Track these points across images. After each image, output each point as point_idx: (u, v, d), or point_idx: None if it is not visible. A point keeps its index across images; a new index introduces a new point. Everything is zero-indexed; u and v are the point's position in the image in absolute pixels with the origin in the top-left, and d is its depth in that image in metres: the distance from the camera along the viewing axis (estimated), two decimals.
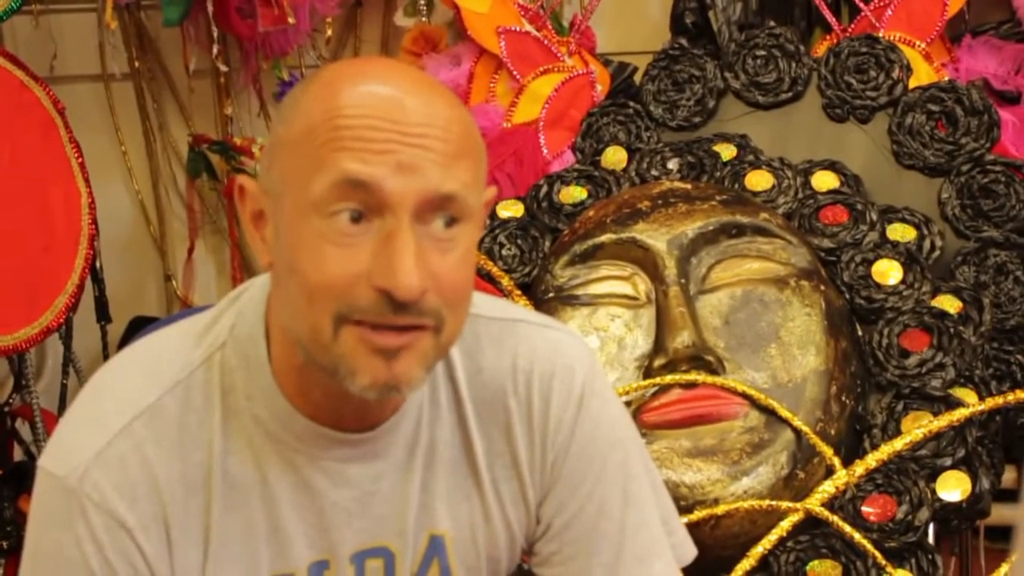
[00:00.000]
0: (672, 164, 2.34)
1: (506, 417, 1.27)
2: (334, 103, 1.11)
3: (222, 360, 1.21)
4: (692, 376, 2.00)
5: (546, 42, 2.53)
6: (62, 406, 2.56)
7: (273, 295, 1.19)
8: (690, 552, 1.37)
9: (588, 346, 1.35)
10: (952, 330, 2.06)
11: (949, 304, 2.11)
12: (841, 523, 1.93)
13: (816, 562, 1.93)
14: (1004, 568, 1.93)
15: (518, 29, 2.52)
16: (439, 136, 1.11)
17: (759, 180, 2.28)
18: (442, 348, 1.15)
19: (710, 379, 2.00)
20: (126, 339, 2.64)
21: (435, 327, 1.12)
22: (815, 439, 1.97)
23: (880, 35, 2.42)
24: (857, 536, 1.92)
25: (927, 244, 2.19)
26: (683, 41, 2.52)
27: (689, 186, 2.22)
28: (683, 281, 2.07)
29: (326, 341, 1.11)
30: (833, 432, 2.00)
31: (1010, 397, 2.02)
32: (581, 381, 1.29)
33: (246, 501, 1.20)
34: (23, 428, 2.60)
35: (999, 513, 2.01)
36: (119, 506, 1.16)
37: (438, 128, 1.11)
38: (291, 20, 2.60)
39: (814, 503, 1.95)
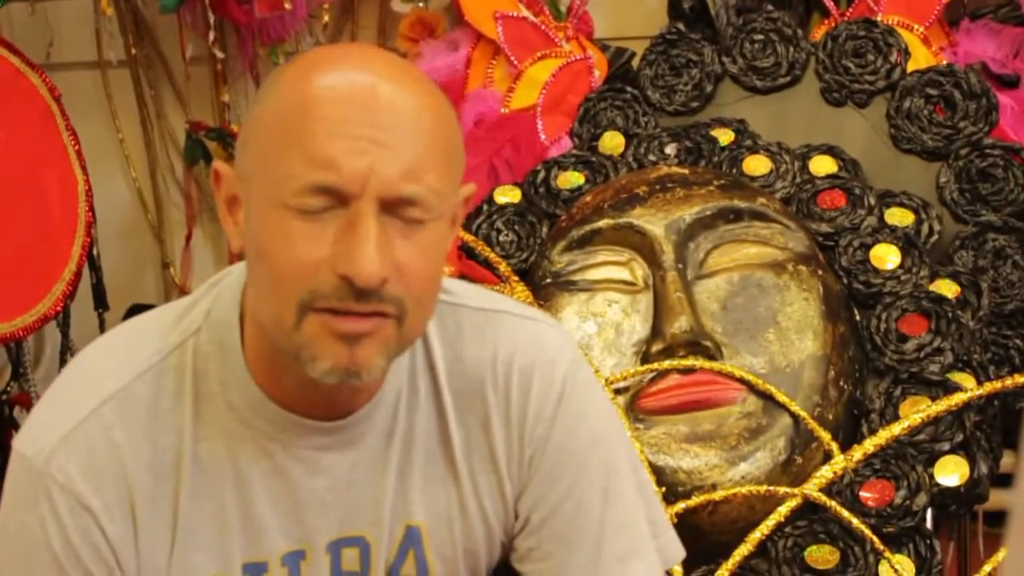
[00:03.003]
0: (670, 149, 2.33)
1: (484, 409, 1.27)
2: (306, 90, 1.11)
3: (196, 345, 1.21)
4: (690, 361, 2.00)
5: (543, 27, 2.52)
6: None
7: (247, 281, 1.19)
8: (678, 554, 1.35)
9: (573, 339, 1.35)
10: (950, 315, 2.05)
11: (947, 289, 2.10)
12: (839, 508, 1.93)
13: (814, 547, 1.93)
14: (1002, 553, 1.93)
15: (515, 14, 2.51)
16: (412, 131, 1.11)
17: (757, 165, 2.27)
18: (405, 338, 1.15)
19: (708, 364, 2.00)
20: None
21: (397, 316, 1.12)
22: (813, 424, 1.97)
23: (878, 19, 2.41)
24: (855, 521, 1.92)
25: (925, 228, 2.19)
26: (680, 26, 2.51)
27: (687, 171, 2.21)
28: (681, 266, 2.06)
29: (288, 327, 1.12)
30: (831, 417, 2.00)
31: (1008, 382, 2.02)
32: (562, 375, 1.28)
33: (217, 487, 1.20)
34: (21, 416, 2.60)
35: (997, 498, 2.01)
36: (84, 489, 1.17)
37: (411, 122, 1.11)
38: (288, 6, 2.60)
39: (812, 488, 1.95)
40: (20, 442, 1.21)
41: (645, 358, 2.03)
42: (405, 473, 1.25)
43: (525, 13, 2.52)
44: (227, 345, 1.20)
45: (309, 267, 1.09)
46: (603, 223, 2.13)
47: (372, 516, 1.24)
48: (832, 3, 2.50)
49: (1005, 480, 2.02)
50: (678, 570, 1.88)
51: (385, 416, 1.24)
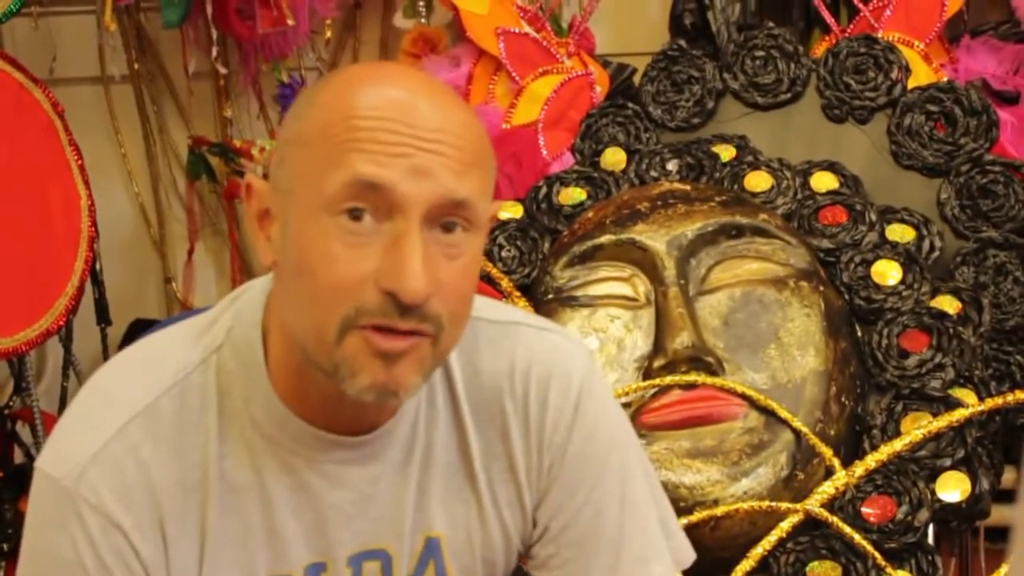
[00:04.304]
0: (671, 165, 2.34)
1: (503, 419, 1.27)
2: (350, 103, 1.11)
3: (219, 362, 1.21)
4: (692, 377, 2.01)
5: (545, 43, 2.53)
6: (62, 408, 2.56)
7: (275, 295, 1.19)
8: (689, 556, 1.37)
9: (587, 349, 1.35)
10: (951, 331, 2.06)
11: (948, 304, 2.11)
12: (841, 524, 1.93)
13: (816, 563, 1.93)
14: (1003, 569, 1.93)
15: (517, 31, 2.52)
16: (454, 143, 1.11)
17: (758, 181, 2.28)
18: (439, 356, 1.16)
19: (710, 380, 2.00)
20: (126, 341, 2.64)
21: (434, 335, 1.12)
22: (815, 440, 1.97)
23: (879, 36, 2.42)
24: (857, 537, 1.92)
25: (926, 244, 2.19)
26: (682, 42, 2.51)
27: (688, 187, 2.22)
28: (682, 282, 2.07)
29: (329, 343, 1.11)
30: (833, 433, 2.01)
31: (1009, 398, 2.02)
32: (578, 384, 1.29)
33: (243, 503, 1.21)
34: (23, 430, 2.60)
35: (999, 514, 2.02)
36: (115, 507, 1.17)
37: (453, 134, 1.12)
38: (290, 22, 2.60)
39: (814, 504, 1.95)
40: (46, 462, 1.19)
41: (647, 374, 2.04)
42: (425, 486, 1.25)
43: (527, 29, 2.53)
44: (250, 362, 1.20)
45: (353, 282, 1.10)
46: (605, 239, 2.14)
47: (393, 529, 1.25)
48: (833, 20, 2.51)
49: (1007, 496, 2.02)
50: None
51: (405, 430, 1.24)
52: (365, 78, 1.15)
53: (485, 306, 1.31)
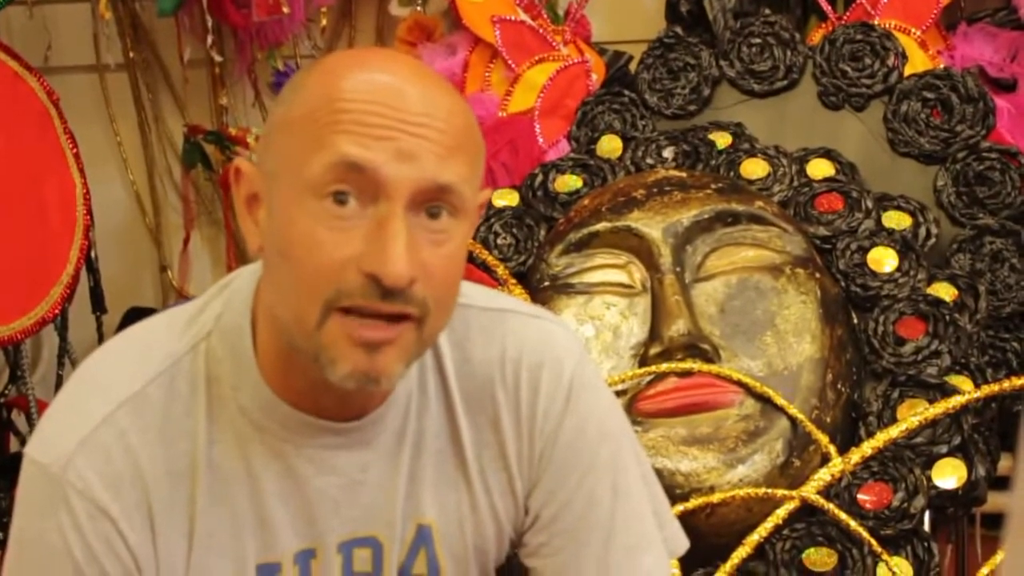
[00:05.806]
0: (667, 152, 2.34)
1: (494, 407, 1.27)
2: (336, 87, 1.11)
3: (208, 349, 1.21)
4: (688, 364, 2.00)
5: (541, 31, 2.53)
6: None
7: (262, 280, 1.19)
8: (682, 544, 1.36)
9: (578, 337, 1.35)
10: (947, 318, 2.06)
11: (944, 291, 2.11)
12: (837, 511, 1.93)
13: (812, 550, 1.93)
14: (999, 555, 1.93)
15: (513, 18, 2.51)
16: (439, 127, 1.11)
17: (754, 168, 2.28)
18: (424, 343, 1.15)
19: (706, 367, 2.00)
20: (121, 330, 2.64)
21: (419, 319, 1.12)
22: (811, 427, 1.97)
23: (875, 23, 2.42)
24: (853, 524, 1.92)
25: (922, 232, 2.19)
26: (678, 29, 2.51)
27: (684, 174, 2.22)
28: (678, 269, 2.07)
29: (310, 328, 1.11)
30: (829, 420, 2.00)
31: (1005, 384, 2.02)
32: (570, 372, 1.28)
33: (231, 490, 1.20)
34: (19, 419, 2.60)
35: (995, 500, 2.02)
36: (102, 494, 1.17)
37: (439, 119, 1.11)
38: (286, 10, 2.60)
39: (810, 491, 1.95)
40: (34, 449, 1.20)
41: (643, 361, 2.04)
42: (416, 474, 1.25)
43: (523, 17, 2.52)
44: (239, 348, 1.19)
45: (336, 265, 1.09)
46: (601, 226, 2.13)
47: (384, 517, 1.24)
48: (829, 7, 2.50)
49: (1003, 483, 2.02)
50: (676, 574, 1.89)
51: (396, 418, 1.24)
52: (351, 63, 1.15)
53: (478, 294, 1.30)
